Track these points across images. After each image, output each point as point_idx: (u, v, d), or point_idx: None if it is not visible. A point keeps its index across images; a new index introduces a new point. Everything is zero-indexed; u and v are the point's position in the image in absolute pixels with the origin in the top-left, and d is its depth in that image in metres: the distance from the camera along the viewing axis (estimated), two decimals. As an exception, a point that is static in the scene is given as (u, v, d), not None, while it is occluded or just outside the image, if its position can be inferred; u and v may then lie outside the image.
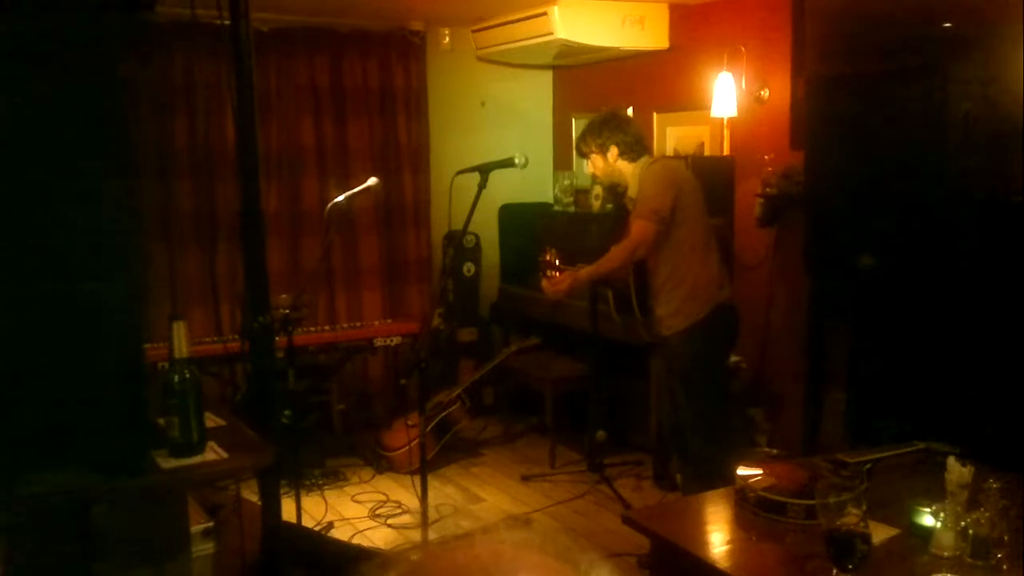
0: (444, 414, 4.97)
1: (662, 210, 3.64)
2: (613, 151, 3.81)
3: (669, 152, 5.08)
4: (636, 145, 3.84)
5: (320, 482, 4.75)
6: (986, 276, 3.17)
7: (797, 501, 2.30)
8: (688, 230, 3.70)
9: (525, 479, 4.84)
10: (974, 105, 3.24)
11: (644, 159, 3.85)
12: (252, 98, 1.97)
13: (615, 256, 3.69)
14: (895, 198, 3.57)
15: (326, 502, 4.48)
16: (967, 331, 3.27)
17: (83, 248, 1.75)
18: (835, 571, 1.93)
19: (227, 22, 2.21)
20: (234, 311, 4.97)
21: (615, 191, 4.02)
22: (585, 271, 3.71)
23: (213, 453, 1.87)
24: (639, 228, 3.65)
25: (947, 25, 3.37)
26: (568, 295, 3.87)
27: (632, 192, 3.84)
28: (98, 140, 1.76)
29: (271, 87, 5.16)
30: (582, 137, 3.92)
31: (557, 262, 3.71)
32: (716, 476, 3.74)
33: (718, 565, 2.16)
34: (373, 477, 4.89)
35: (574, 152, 5.91)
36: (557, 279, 3.68)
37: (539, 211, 5.98)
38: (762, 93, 4.49)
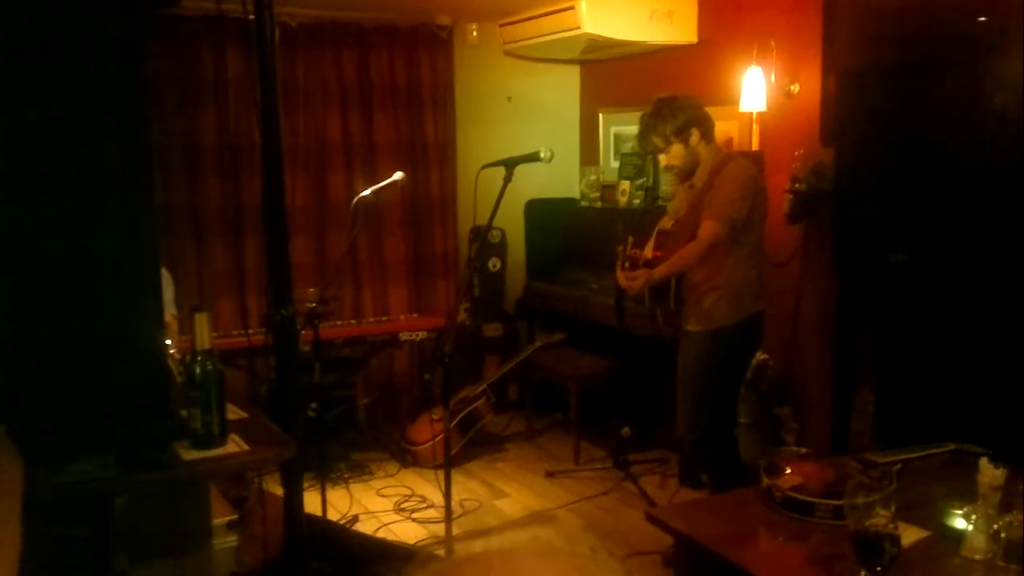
0: (469, 409, 4.97)
1: (738, 219, 3.48)
2: (695, 134, 3.58)
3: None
4: (711, 124, 3.65)
5: (345, 475, 4.76)
6: (1020, 274, 3.11)
7: (825, 501, 2.27)
8: (746, 236, 3.57)
9: (549, 475, 4.82)
10: (1010, 98, 3.18)
11: (714, 144, 3.67)
12: (275, 92, 1.97)
13: (688, 257, 3.53)
14: (927, 194, 3.51)
15: (351, 495, 4.49)
16: (999, 330, 3.21)
17: (105, 242, 1.76)
18: (863, 573, 1.90)
19: (252, 16, 2.21)
20: (261, 304, 4.99)
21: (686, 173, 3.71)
22: (659, 271, 3.54)
23: (235, 445, 1.87)
24: (711, 230, 3.47)
25: (982, 19, 3.31)
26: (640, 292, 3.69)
27: (699, 179, 3.63)
28: (119, 133, 1.76)
29: (298, 81, 5.18)
30: (653, 129, 3.59)
31: (634, 253, 3.59)
32: (719, 487, 3.67)
33: (743, 565, 2.13)
34: (398, 471, 4.90)
35: (600, 148, 5.92)
36: (634, 277, 3.53)
37: (565, 206, 5.96)
38: (792, 88, 4.44)
